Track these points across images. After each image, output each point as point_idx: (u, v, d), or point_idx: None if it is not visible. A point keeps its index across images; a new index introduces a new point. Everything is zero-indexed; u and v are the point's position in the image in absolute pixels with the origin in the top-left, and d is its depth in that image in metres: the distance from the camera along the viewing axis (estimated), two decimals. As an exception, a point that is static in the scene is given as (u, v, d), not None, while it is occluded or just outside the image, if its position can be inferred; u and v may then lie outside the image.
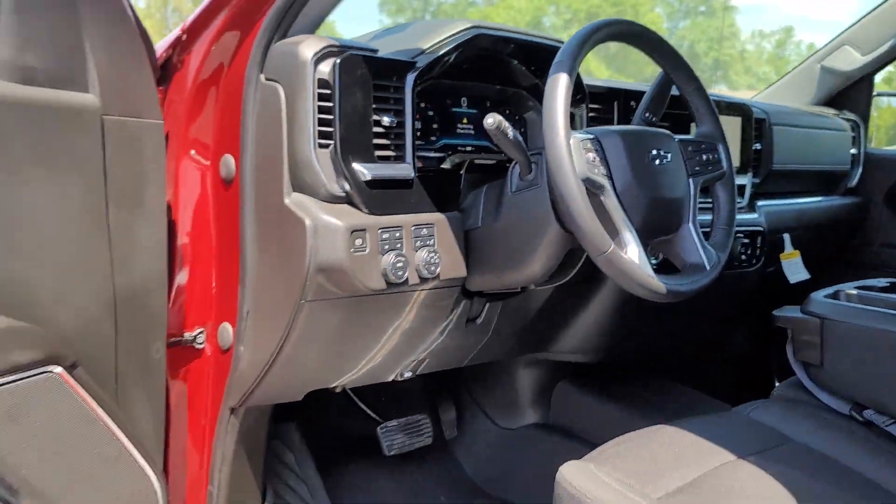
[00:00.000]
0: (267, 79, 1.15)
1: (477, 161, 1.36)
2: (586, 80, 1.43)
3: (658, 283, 1.09)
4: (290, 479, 1.53)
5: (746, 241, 1.71)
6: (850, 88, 2.30)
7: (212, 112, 1.25)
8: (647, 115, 1.34)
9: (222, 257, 1.26)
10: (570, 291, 1.48)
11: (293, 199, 1.13)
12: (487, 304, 1.39)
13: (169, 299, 1.24)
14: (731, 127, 1.77)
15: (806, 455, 1.14)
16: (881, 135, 2.88)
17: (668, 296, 1.11)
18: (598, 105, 1.49)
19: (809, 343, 1.31)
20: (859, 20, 2.23)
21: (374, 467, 1.69)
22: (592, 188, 1.09)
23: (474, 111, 1.39)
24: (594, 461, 1.05)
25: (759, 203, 1.84)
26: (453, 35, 1.27)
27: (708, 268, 1.20)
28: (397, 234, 1.16)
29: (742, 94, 2.26)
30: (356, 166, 1.13)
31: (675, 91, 1.34)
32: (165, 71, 1.27)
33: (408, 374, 1.44)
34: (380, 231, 1.14)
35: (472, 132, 1.38)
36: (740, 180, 1.77)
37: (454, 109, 1.37)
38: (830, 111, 2.27)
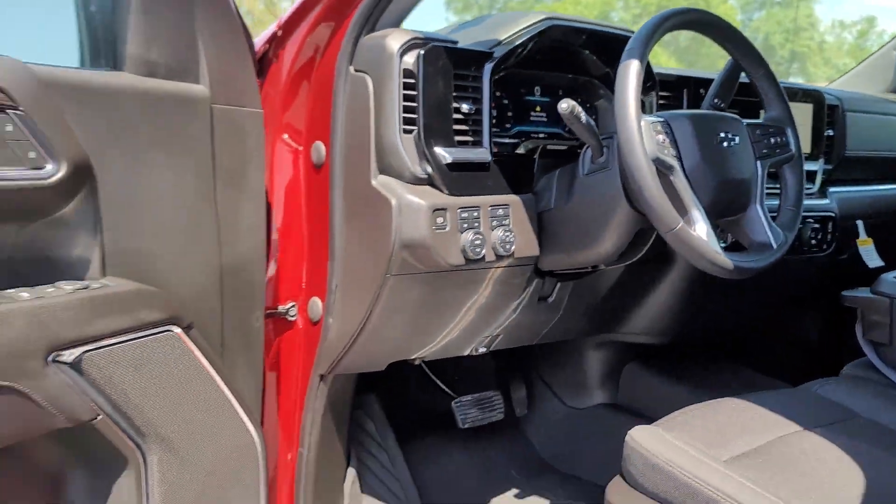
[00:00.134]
0: (356, 70, 1.25)
1: (549, 146, 1.43)
2: (656, 69, 1.48)
3: (725, 259, 1.14)
4: (371, 446, 1.64)
5: (817, 226, 1.72)
6: (929, 75, 2.27)
7: (304, 102, 1.35)
8: (715, 100, 1.38)
9: (312, 236, 1.37)
10: (640, 272, 1.54)
11: (379, 181, 1.22)
12: (559, 284, 1.46)
13: (265, 275, 1.36)
14: (803, 113, 1.78)
15: (874, 429, 1.16)
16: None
17: (735, 272, 1.15)
18: (667, 93, 1.54)
19: (879, 323, 1.33)
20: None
21: (449, 440, 1.77)
22: (662, 168, 1.15)
23: (547, 100, 1.45)
24: (663, 426, 1.11)
25: (831, 189, 1.85)
26: (528, 27, 1.35)
27: (775, 246, 1.23)
28: (475, 214, 1.25)
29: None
30: (438, 150, 1.22)
31: (744, 78, 1.38)
32: (262, 64, 1.39)
33: (482, 350, 1.52)
34: (459, 210, 1.22)
35: (545, 119, 1.45)
36: (811, 166, 1.78)
37: (528, 98, 1.44)
38: (908, 98, 2.24)
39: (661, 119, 1.19)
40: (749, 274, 1.18)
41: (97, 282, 0.99)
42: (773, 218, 1.30)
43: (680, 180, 1.16)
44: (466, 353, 1.50)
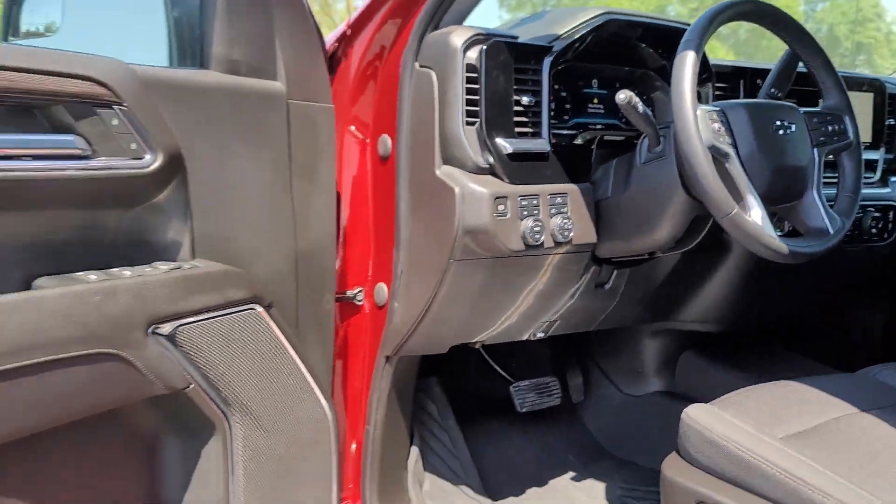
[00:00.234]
0: (421, 66, 1.31)
1: (606, 137, 1.47)
2: (712, 61, 1.51)
3: (780, 244, 1.16)
4: (433, 427, 1.71)
5: (878, 215, 1.72)
6: None
7: (371, 97, 1.43)
8: (772, 90, 1.40)
9: (378, 225, 1.44)
10: (696, 260, 1.57)
11: (443, 171, 1.28)
12: (616, 271, 1.50)
13: (336, 261, 1.44)
14: (863, 103, 1.77)
15: (932, 414, 1.17)
16: None
17: (790, 256, 1.18)
18: (724, 84, 1.56)
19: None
20: None
21: (507, 423, 1.83)
22: (718, 156, 1.18)
23: (604, 92, 1.50)
24: (718, 405, 1.15)
25: (893, 179, 1.84)
26: (586, 21, 1.39)
27: (831, 232, 1.25)
28: (535, 202, 1.30)
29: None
30: (499, 141, 1.28)
31: (802, 68, 1.40)
32: (332, 62, 1.46)
33: (540, 335, 1.57)
34: (519, 198, 1.28)
35: (602, 111, 1.49)
36: (872, 155, 1.77)
37: (585, 90, 1.48)
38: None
39: (717, 108, 1.22)
40: (804, 259, 1.20)
41: (188, 263, 1.08)
42: (831, 205, 1.32)
43: (735, 167, 1.19)
44: (525, 337, 1.55)
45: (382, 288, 1.43)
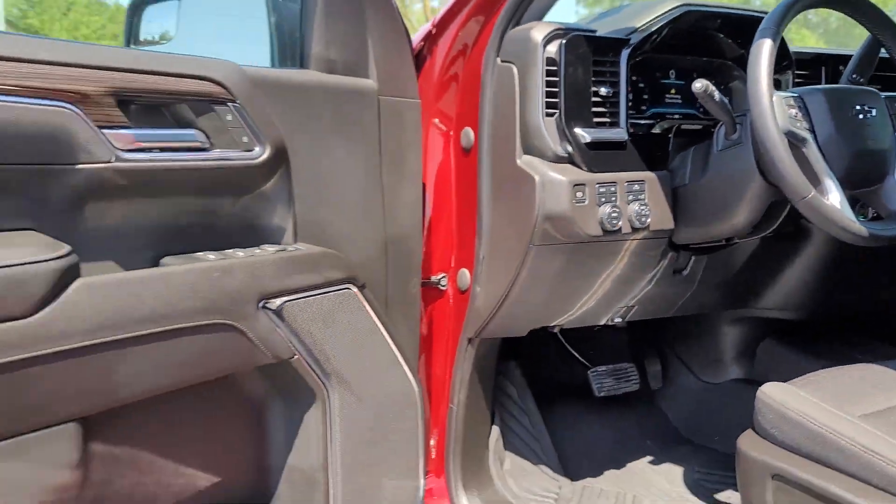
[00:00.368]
0: (503, 61, 1.38)
1: (684, 126, 1.51)
2: (793, 48, 1.52)
3: (859, 227, 1.18)
4: (513, 409, 1.77)
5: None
6: None
7: (454, 92, 1.51)
8: (854, 76, 1.41)
9: (461, 213, 1.52)
10: (775, 247, 1.58)
11: (524, 161, 1.35)
12: (693, 257, 1.53)
13: (422, 247, 1.52)
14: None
15: None
16: None
17: (870, 239, 1.19)
18: (805, 71, 1.57)
19: None
20: None
21: (585, 408, 1.88)
22: (794, 140, 1.20)
23: (682, 82, 1.53)
24: (795, 384, 1.17)
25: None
26: (663, 13, 1.43)
27: (914, 216, 1.25)
28: (612, 189, 1.35)
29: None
30: (577, 130, 1.34)
31: (883, 54, 1.39)
32: (418, 59, 1.55)
33: (618, 320, 1.61)
34: (597, 185, 1.33)
35: (680, 101, 1.52)
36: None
37: (663, 81, 1.52)
38: None
39: (794, 94, 1.25)
40: (884, 242, 1.21)
41: (292, 246, 1.19)
42: None
43: (812, 152, 1.21)
44: (603, 322, 1.60)
45: (465, 273, 1.51)
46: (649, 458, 1.80)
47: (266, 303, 1.08)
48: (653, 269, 1.50)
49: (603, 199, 1.34)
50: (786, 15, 1.22)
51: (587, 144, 1.34)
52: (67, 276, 0.89)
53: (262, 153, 1.12)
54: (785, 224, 1.44)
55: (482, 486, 1.60)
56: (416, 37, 1.56)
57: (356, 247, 1.31)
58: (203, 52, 1.11)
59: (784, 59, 1.49)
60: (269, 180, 1.16)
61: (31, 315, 0.85)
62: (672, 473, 1.73)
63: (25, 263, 0.85)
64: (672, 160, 1.45)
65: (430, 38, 1.54)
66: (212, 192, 1.11)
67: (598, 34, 1.38)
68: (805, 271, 1.63)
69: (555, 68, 1.32)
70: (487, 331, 1.51)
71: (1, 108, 0.86)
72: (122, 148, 0.97)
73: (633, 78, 1.46)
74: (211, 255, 1.07)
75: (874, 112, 1.27)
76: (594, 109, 1.36)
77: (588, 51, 1.34)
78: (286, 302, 1.10)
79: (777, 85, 1.40)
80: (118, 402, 0.96)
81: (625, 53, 1.38)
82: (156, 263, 1.06)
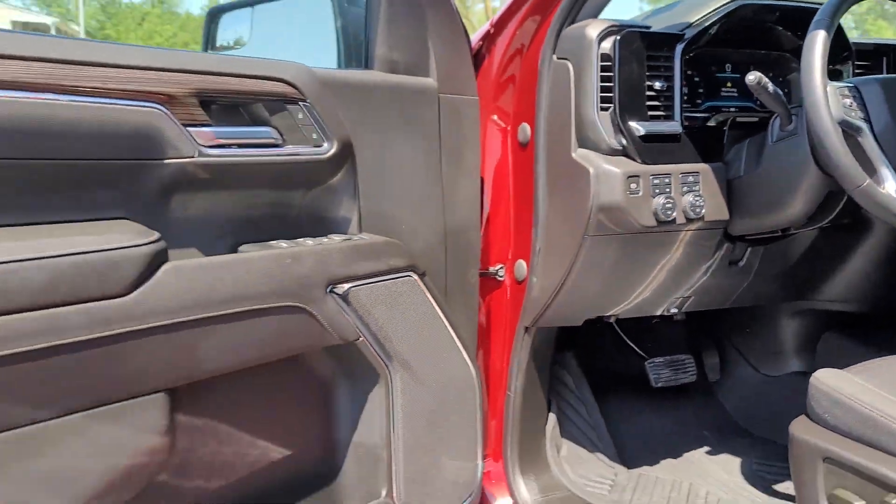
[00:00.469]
0: (558, 58, 1.43)
1: (739, 119, 1.52)
2: (854, 39, 1.52)
3: (917, 215, 1.18)
4: (570, 398, 1.82)
5: None
6: None
7: (512, 89, 1.56)
8: (915, 65, 1.40)
9: (518, 206, 1.57)
10: (835, 238, 1.57)
11: (579, 154, 1.40)
12: (749, 249, 1.54)
13: (479, 238, 1.58)
14: None
15: None
16: None
17: None
18: (866, 62, 1.56)
19: None
20: None
21: (642, 398, 1.90)
22: (849, 130, 1.21)
23: (738, 76, 1.54)
24: (848, 370, 1.18)
25: None
26: (718, 8, 1.45)
27: (975, 204, 1.24)
28: (666, 180, 1.38)
29: None
30: (632, 124, 1.37)
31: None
32: (477, 57, 1.61)
33: (674, 310, 1.64)
34: (651, 177, 1.37)
35: (736, 94, 1.54)
36: None
37: (719, 75, 1.54)
38: None
39: (849, 84, 1.25)
40: (943, 230, 1.20)
41: (357, 235, 1.26)
42: None
43: (868, 141, 1.21)
44: (659, 312, 1.63)
45: (522, 264, 1.56)
46: (706, 448, 1.81)
47: (333, 287, 1.16)
48: (708, 260, 1.52)
49: (657, 191, 1.37)
50: (840, 6, 1.23)
51: (641, 137, 1.37)
52: (157, 260, 0.98)
53: (329, 149, 1.20)
54: (842, 215, 1.44)
55: (539, 472, 1.65)
56: (475, 36, 1.62)
57: (417, 237, 1.38)
58: (274, 56, 1.20)
59: (844, 50, 1.49)
60: (336, 174, 1.24)
61: (126, 294, 0.94)
62: (730, 464, 1.74)
63: (121, 248, 0.95)
64: (727, 152, 1.47)
65: (489, 38, 1.60)
66: (284, 185, 1.19)
67: (652, 30, 1.41)
68: (866, 263, 1.62)
69: (609, 64, 1.36)
70: (544, 320, 1.56)
71: (102, 110, 0.96)
72: (204, 144, 1.07)
73: (689, 72, 1.48)
74: (283, 243, 1.15)
75: (932, 101, 1.26)
76: (648, 103, 1.39)
77: (642, 46, 1.38)
78: (352, 287, 1.18)
79: (838, 76, 1.41)
80: (201, 375, 1.05)
81: (679, 48, 1.41)
82: (234, 250, 1.15)
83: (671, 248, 1.46)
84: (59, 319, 0.88)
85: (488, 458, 1.63)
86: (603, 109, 1.37)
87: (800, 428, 1.17)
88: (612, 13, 1.49)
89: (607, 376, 1.90)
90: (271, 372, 1.18)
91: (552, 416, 1.74)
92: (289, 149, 1.16)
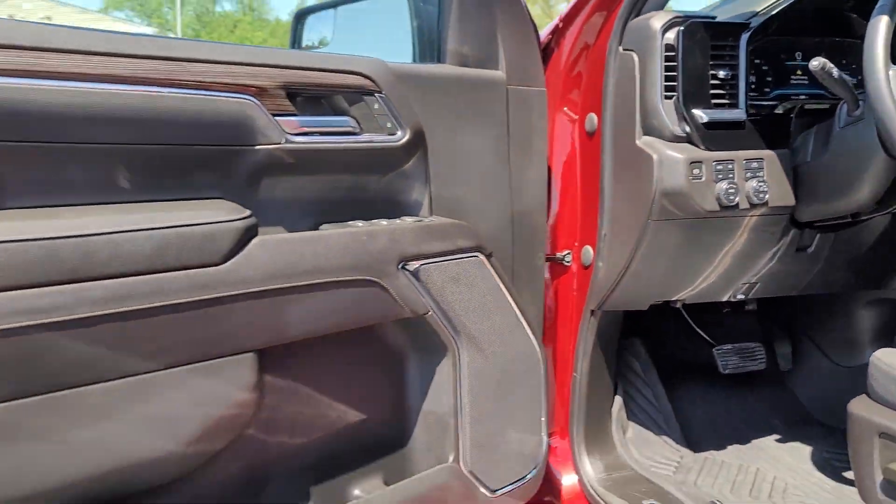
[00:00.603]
0: (624, 49, 1.48)
1: (807, 106, 1.53)
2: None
3: (985, 197, 1.17)
4: (637, 382, 1.85)
5: None
6: None
7: (579, 80, 1.62)
8: None
9: (585, 193, 1.63)
10: (906, 225, 1.56)
11: (643, 141, 1.44)
12: (818, 235, 1.55)
13: (546, 222, 1.65)
14: None
15: None
16: None
17: None
18: None
19: None
20: None
21: (710, 384, 1.92)
22: (914, 113, 1.21)
23: (807, 63, 1.55)
24: (910, 351, 1.18)
25: None
26: None
27: None
28: (730, 166, 1.41)
29: None
30: (695, 111, 1.41)
31: None
32: (546, 51, 1.68)
33: (740, 296, 1.65)
34: (714, 163, 1.40)
35: (806, 82, 1.55)
36: None
37: (788, 63, 1.55)
38: None
39: None
40: None
41: (427, 218, 1.36)
42: None
43: (934, 124, 1.21)
44: (725, 298, 1.65)
45: (588, 250, 1.61)
46: (776, 436, 1.81)
47: (405, 264, 1.25)
48: (774, 246, 1.53)
49: (720, 176, 1.41)
50: None
51: (704, 124, 1.41)
52: (248, 235, 1.10)
53: (403, 137, 1.30)
54: (915, 201, 1.43)
55: (604, 452, 1.70)
56: (545, 31, 1.69)
57: (485, 220, 1.46)
58: (355, 53, 1.30)
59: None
60: (408, 160, 1.33)
61: (220, 264, 1.07)
62: (800, 452, 1.74)
63: (217, 222, 1.07)
64: (794, 140, 1.48)
65: (558, 32, 1.66)
66: (361, 170, 1.30)
67: (717, 20, 1.44)
68: (944, 251, 1.60)
69: (673, 54, 1.40)
70: (609, 303, 1.61)
71: (203, 101, 1.08)
72: (291, 132, 1.18)
73: (756, 61, 1.50)
74: (359, 223, 1.26)
75: None
76: (713, 91, 1.43)
77: (706, 36, 1.41)
78: (422, 265, 1.27)
79: None
80: (285, 339, 1.16)
81: (744, 37, 1.44)
82: (315, 229, 1.26)
83: (735, 234, 1.48)
84: (165, 283, 1.00)
85: (555, 436, 1.70)
86: (667, 98, 1.42)
87: (858, 406, 1.18)
88: (682, 5, 1.53)
89: (675, 363, 1.93)
90: (349, 342, 1.28)
91: (618, 399, 1.79)
92: (365, 137, 1.27)
